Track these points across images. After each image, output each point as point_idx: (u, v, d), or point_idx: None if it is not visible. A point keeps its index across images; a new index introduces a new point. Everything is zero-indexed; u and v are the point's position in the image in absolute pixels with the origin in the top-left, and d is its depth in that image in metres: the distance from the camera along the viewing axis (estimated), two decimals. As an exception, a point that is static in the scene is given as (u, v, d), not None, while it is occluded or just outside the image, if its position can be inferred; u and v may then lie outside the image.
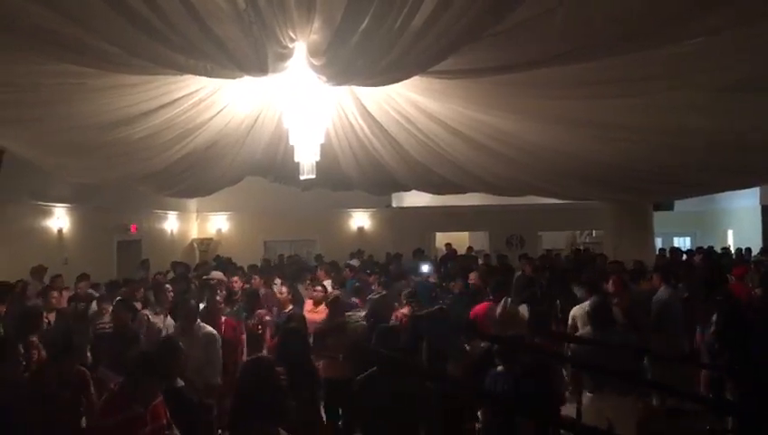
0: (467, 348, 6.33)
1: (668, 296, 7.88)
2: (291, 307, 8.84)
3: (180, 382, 4.87)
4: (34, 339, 5.94)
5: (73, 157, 8.15)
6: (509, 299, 7.60)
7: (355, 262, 13.66)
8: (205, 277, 11.25)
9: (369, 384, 4.54)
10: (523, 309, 7.60)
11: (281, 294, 9.38)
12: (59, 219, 13.04)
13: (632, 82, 5.12)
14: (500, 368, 5.10)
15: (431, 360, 5.32)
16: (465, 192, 12.32)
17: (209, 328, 6.73)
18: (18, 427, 3.98)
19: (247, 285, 10.22)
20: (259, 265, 14.16)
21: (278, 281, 10.65)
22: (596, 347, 5.73)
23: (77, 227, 13.51)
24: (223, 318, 7.55)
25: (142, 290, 9.80)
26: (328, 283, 10.18)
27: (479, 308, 7.79)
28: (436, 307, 7.10)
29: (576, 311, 7.32)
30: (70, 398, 4.78)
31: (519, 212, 17.34)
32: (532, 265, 11.99)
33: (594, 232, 20.90)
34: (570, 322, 7.34)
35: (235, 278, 10.44)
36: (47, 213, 12.82)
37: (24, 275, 10.42)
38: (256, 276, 10.54)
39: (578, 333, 6.46)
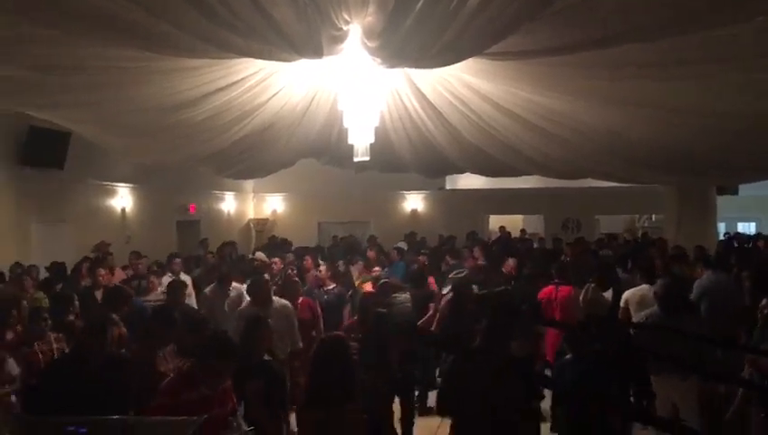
0: (534, 330, 6.29)
1: (710, 283, 7.62)
2: (333, 285, 8.96)
3: (267, 356, 4.87)
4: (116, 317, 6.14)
5: (137, 138, 8.44)
6: (592, 284, 7.51)
7: (402, 244, 13.66)
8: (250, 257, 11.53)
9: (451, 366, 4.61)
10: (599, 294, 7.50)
11: (320, 272, 9.48)
12: (122, 198, 13.49)
13: (687, 64, 5.01)
14: (568, 356, 5.06)
15: (493, 341, 5.35)
16: (519, 175, 12.20)
17: (282, 300, 6.96)
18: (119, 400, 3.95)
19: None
20: (313, 247, 14.32)
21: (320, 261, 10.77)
22: (661, 330, 5.63)
23: (139, 206, 13.95)
24: (300, 298, 7.68)
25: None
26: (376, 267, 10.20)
27: (545, 292, 7.75)
28: (501, 288, 7.11)
29: (630, 295, 7.18)
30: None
31: (575, 195, 17.04)
32: (572, 250, 11.82)
33: (654, 216, 20.40)
34: (622, 305, 7.21)
35: (276, 260, 10.54)
36: (111, 192, 13.27)
37: (89, 252, 10.87)
38: (308, 257, 10.67)
39: (643, 314, 6.28)
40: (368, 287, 8.84)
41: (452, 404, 4.44)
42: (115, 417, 2.85)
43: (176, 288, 7.48)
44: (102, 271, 8.45)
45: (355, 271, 10.48)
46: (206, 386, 3.79)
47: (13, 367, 4.93)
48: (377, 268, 9.10)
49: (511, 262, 9.69)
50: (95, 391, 3.67)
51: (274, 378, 4.62)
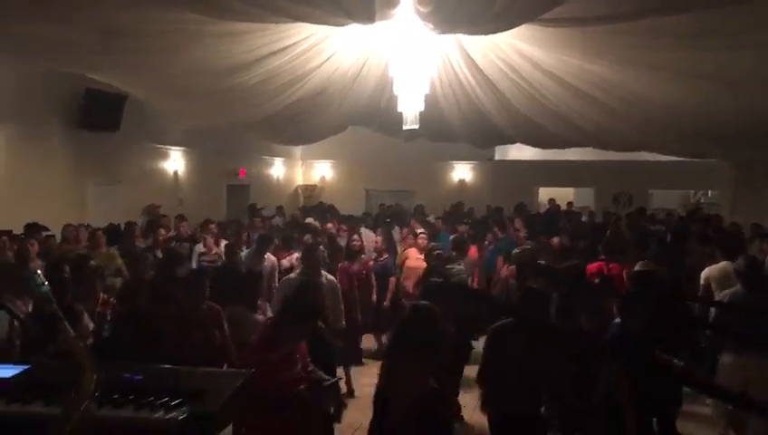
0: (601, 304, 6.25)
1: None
2: (385, 256, 9.03)
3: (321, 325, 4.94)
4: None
5: (191, 101, 8.58)
6: (646, 261, 7.41)
7: (432, 218, 13.60)
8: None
9: (506, 333, 4.64)
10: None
11: (375, 243, 9.55)
12: (175, 161, 13.76)
13: (744, 33, 4.83)
14: (617, 320, 5.03)
15: (563, 314, 5.36)
16: (570, 146, 12.00)
17: (331, 277, 7.02)
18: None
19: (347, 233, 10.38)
20: (360, 215, 14.39)
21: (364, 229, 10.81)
22: (743, 307, 5.52)
23: (191, 169, 14.22)
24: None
25: (247, 234, 10.24)
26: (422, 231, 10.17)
27: (592, 267, 7.66)
28: (571, 262, 7.08)
29: (710, 272, 7.01)
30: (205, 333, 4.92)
31: (628, 168, 16.66)
32: (629, 221, 11.59)
33: (710, 192, 19.83)
34: (702, 282, 7.04)
35: (330, 225, 10.61)
36: (164, 155, 13.55)
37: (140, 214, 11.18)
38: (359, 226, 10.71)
39: (725, 293, 6.14)
40: (412, 256, 8.85)
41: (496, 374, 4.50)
42: (168, 366, 2.97)
43: (232, 250, 7.82)
44: (163, 231, 8.66)
45: (400, 240, 10.54)
46: (288, 343, 3.90)
47: (89, 322, 5.09)
48: (423, 237, 9.06)
49: (555, 240, 9.61)
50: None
51: (326, 345, 4.72)
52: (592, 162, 16.55)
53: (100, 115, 10.66)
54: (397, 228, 11.45)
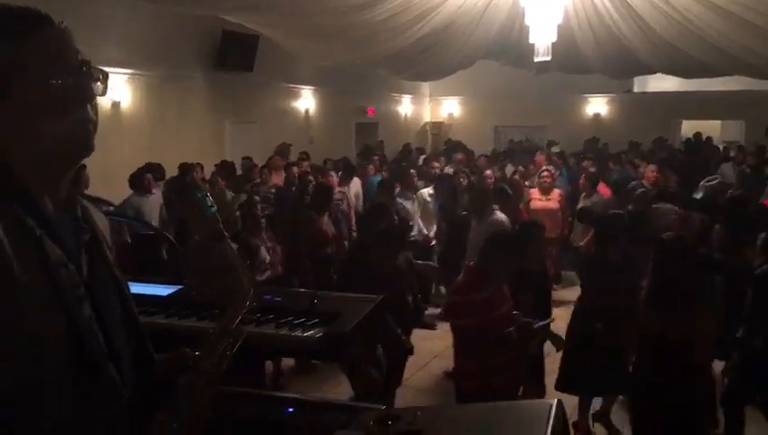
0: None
1: None
2: None
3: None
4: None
5: (319, 40, 8.72)
6: None
7: (556, 148, 13.05)
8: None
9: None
10: None
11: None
12: (306, 100, 14.11)
13: None
14: None
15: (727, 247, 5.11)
16: (717, 75, 11.11)
17: (500, 215, 6.60)
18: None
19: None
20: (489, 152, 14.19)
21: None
22: None
23: (321, 108, 14.53)
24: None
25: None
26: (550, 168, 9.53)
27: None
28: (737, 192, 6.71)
29: None
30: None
31: (783, 99, 15.26)
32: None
33: None
34: None
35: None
36: (296, 94, 13.92)
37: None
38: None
39: None
40: (534, 196, 8.51)
41: None
42: (306, 290, 3.15)
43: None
44: (296, 169, 8.98)
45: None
46: (495, 283, 3.87)
47: (265, 255, 5.45)
48: (547, 175, 8.57)
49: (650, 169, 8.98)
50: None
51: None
52: (743, 92, 15.25)
53: (235, 56, 11.09)
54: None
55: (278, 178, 9.45)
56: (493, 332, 3.71)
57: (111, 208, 5.89)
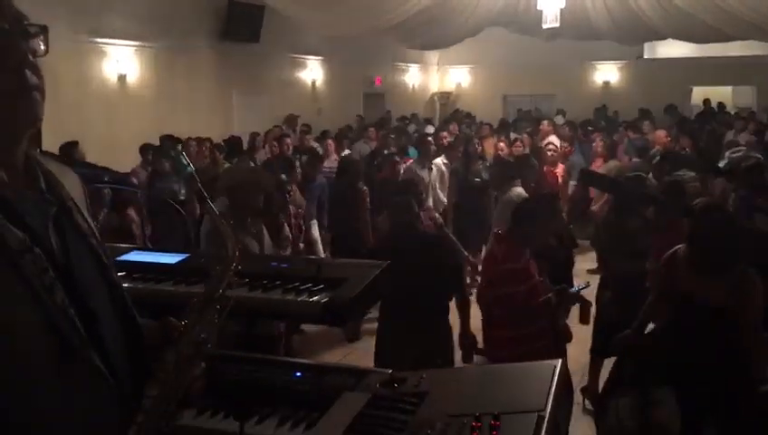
0: None
1: None
2: None
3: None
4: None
5: (322, 10, 8.64)
6: None
7: (559, 118, 12.89)
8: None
9: None
10: None
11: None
12: (312, 71, 14.05)
13: None
14: None
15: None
16: (728, 39, 10.95)
17: (518, 189, 6.35)
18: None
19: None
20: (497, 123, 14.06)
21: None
22: None
23: (328, 78, 14.47)
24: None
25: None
26: (555, 140, 9.39)
27: None
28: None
29: None
30: None
31: (796, 63, 15.03)
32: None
33: None
34: None
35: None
36: (303, 65, 13.86)
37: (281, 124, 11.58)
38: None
39: None
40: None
41: None
42: (311, 257, 3.17)
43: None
44: (288, 141, 8.92)
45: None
46: (525, 255, 3.83)
47: (288, 232, 5.48)
48: (551, 146, 8.34)
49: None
50: None
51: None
52: (755, 57, 15.06)
53: (241, 26, 11.04)
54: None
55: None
56: (534, 299, 3.74)
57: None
